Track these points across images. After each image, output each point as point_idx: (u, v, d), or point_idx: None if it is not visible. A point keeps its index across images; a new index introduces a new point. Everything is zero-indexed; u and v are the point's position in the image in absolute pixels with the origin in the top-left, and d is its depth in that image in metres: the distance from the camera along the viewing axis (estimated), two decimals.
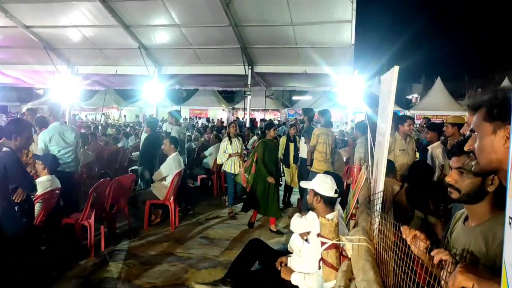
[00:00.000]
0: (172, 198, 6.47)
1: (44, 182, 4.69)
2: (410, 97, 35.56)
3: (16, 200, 3.77)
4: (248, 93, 13.59)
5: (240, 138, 7.87)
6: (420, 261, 1.73)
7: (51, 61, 13.66)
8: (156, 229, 6.34)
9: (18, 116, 10.80)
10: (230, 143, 7.45)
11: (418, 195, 3.64)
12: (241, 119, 21.78)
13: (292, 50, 12.21)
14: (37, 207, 4.57)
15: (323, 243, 2.44)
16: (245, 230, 6.55)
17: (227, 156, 7.40)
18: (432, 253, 1.64)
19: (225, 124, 19.23)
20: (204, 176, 9.29)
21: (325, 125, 7.10)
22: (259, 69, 13.42)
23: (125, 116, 26.00)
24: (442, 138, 6.16)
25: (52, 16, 11.77)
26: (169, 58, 13.70)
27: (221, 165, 9.35)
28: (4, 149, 3.74)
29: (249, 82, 13.22)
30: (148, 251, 5.41)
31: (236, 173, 7.33)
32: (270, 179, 6.46)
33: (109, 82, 18.05)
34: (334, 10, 10.14)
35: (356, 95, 10.89)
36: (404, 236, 1.85)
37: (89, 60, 14.00)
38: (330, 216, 3.11)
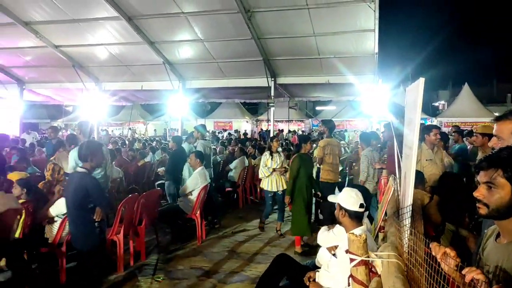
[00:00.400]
0: (198, 212, 6.52)
1: None
2: (437, 104, 34.84)
3: (96, 219, 3.97)
4: (271, 104, 13.62)
5: (281, 154, 7.50)
6: (451, 279, 1.69)
7: (80, 78, 14.06)
8: (183, 244, 6.39)
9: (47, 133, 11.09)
10: (271, 158, 7.15)
11: (451, 208, 3.56)
12: (264, 130, 21.84)
13: (315, 61, 12.21)
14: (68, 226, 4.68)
15: (352, 260, 2.41)
16: (272, 244, 6.52)
17: (271, 171, 7.07)
18: (463, 272, 1.61)
19: (249, 136, 19.31)
20: (229, 189, 9.33)
21: (330, 136, 7.09)
22: (282, 80, 13.45)
23: (155, 130, 26.44)
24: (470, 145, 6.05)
25: (80, 35, 12.15)
26: (193, 73, 13.90)
27: (245, 178, 9.43)
28: (80, 170, 3.91)
29: (272, 94, 13.26)
30: (176, 266, 5.46)
31: (274, 191, 7.07)
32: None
33: (135, 97, 18.43)
34: (356, 20, 10.10)
35: (380, 104, 10.77)
36: (433, 253, 1.82)
37: (116, 76, 14.36)
38: (358, 231, 3.07)
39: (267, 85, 13.14)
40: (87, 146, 4.27)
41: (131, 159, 10.14)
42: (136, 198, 5.54)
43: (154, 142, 15.46)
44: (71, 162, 5.65)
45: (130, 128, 23.82)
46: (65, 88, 15.71)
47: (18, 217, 4.55)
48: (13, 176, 5.67)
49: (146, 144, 14.12)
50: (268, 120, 18.37)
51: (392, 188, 3.81)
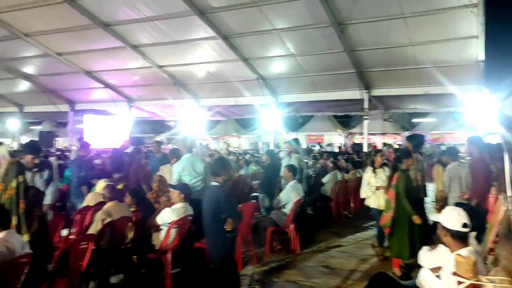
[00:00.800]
0: (292, 226, 6.58)
1: (179, 209, 5.15)
2: None
3: (227, 229, 4.31)
4: (365, 117, 13.32)
5: (386, 169, 6.71)
6: None
7: (180, 95, 15.09)
8: (277, 256, 6.47)
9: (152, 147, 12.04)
10: (375, 175, 6.63)
11: None
12: (356, 143, 21.34)
13: (412, 71, 11.73)
14: (173, 232, 5.03)
15: (459, 282, 2.28)
16: (369, 262, 6.33)
17: (373, 190, 6.55)
18: None
19: (343, 149, 19.01)
20: (322, 203, 9.25)
21: (414, 151, 6.61)
22: (376, 92, 13.11)
23: (251, 143, 27.15)
24: None
25: (181, 55, 13.07)
26: (285, 87, 14.14)
27: (338, 192, 9.29)
28: (213, 183, 4.30)
29: (366, 106, 12.98)
30: (271, 278, 5.55)
31: (382, 209, 6.23)
32: (417, 219, 5.37)
33: (230, 112, 19.26)
34: (457, 26, 9.55)
35: (487, 116, 9.99)
36: None
37: (212, 92, 15.17)
38: (465, 252, 2.89)
39: (360, 97, 12.93)
40: (219, 161, 4.65)
41: None
42: None
43: (248, 155, 15.91)
44: (175, 174, 6.06)
45: (225, 142, 24.81)
46: (168, 105, 16.93)
47: (130, 224, 5.00)
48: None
49: (240, 157, 14.56)
50: (361, 133, 17.95)
51: (503, 208, 3.53)
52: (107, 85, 16.06)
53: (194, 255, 5.44)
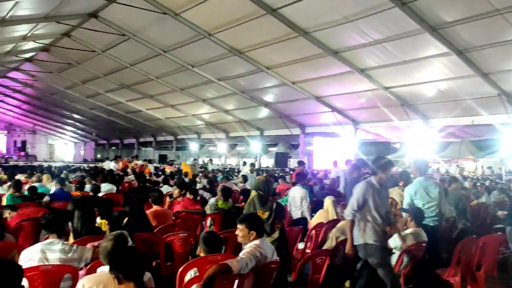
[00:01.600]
0: None
1: (410, 234, 4.94)
2: None
3: None
4: None
5: None
6: None
7: (407, 116, 14.56)
8: None
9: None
10: None
11: None
12: None
13: None
14: (405, 258, 4.83)
15: None
16: None
17: None
18: None
19: None
20: None
21: None
22: None
23: (491, 168, 24.19)
24: None
25: (408, 75, 12.66)
26: None
27: None
28: None
29: None
30: None
31: None
32: None
33: (464, 133, 17.53)
34: None
35: None
36: None
37: (444, 112, 14.11)
38: None
39: None
40: None
41: (466, 199, 9.58)
42: (474, 241, 5.17)
43: (488, 181, 14.05)
44: (406, 198, 5.84)
45: (458, 166, 22.60)
46: (393, 126, 16.56)
47: None
48: None
49: (478, 183, 13.00)
50: None
51: None
52: (334, 109, 16.83)
53: (431, 283, 5.11)
